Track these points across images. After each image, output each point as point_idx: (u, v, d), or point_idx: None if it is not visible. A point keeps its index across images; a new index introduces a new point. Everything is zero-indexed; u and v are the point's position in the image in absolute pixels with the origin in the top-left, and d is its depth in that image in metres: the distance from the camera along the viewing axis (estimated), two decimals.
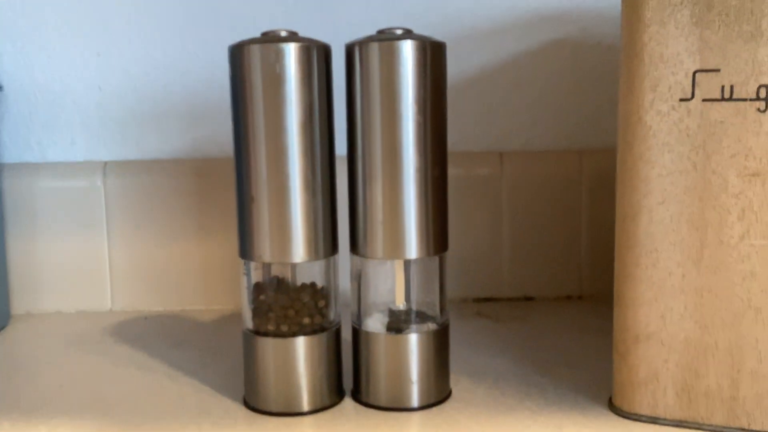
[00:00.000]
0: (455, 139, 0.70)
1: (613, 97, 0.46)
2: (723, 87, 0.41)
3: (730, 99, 0.41)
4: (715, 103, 0.42)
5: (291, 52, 0.44)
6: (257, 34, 0.46)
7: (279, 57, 0.44)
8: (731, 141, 0.42)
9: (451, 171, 0.49)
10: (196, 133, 0.69)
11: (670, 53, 0.42)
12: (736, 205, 0.42)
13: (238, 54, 0.45)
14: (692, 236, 0.43)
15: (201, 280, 0.69)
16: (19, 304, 0.68)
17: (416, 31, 0.46)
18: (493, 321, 0.65)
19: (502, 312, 0.67)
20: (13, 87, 0.69)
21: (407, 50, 0.45)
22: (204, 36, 0.69)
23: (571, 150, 0.71)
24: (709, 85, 0.42)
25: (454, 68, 0.68)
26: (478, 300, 0.70)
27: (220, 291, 0.69)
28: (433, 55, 0.46)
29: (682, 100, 0.42)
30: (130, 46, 0.69)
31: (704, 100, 0.42)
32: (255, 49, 0.44)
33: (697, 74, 0.42)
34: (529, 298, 0.70)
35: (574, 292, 0.70)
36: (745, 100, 0.41)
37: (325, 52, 0.46)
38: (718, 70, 0.41)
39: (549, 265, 0.70)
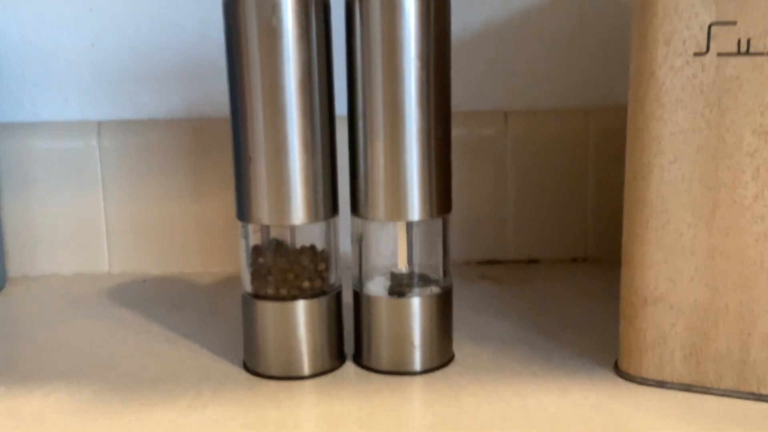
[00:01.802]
0: (459, 97, 0.68)
1: (623, 53, 0.44)
2: (739, 40, 0.40)
3: (747, 53, 0.40)
4: (731, 58, 0.40)
5: (288, 4, 0.43)
6: None
7: (275, 10, 0.43)
8: (747, 97, 0.40)
9: (455, 131, 0.48)
10: (191, 91, 0.68)
11: (685, 5, 0.40)
12: (750, 164, 0.41)
13: (232, 7, 0.43)
14: (704, 196, 0.42)
15: (199, 242, 0.68)
16: (15, 267, 0.68)
17: None
18: (497, 284, 0.64)
19: (507, 275, 0.66)
20: (3, 45, 0.67)
21: (409, 3, 0.43)
22: None
23: (578, 108, 0.69)
24: (725, 39, 0.40)
25: (458, 23, 0.67)
26: (482, 263, 0.69)
27: (218, 253, 0.68)
28: (436, 9, 0.44)
29: (696, 54, 0.41)
30: (122, 1, 0.67)
31: (719, 54, 0.40)
32: (250, 1, 0.43)
33: (712, 27, 0.40)
34: (533, 261, 0.70)
35: (580, 255, 0.70)
36: (762, 54, 0.40)
37: (323, 4, 0.44)
38: (734, 23, 0.40)
39: (554, 226, 0.69)
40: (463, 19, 0.68)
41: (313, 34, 0.44)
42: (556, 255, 0.70)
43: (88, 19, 0.67)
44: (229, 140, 0.46)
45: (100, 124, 0.68)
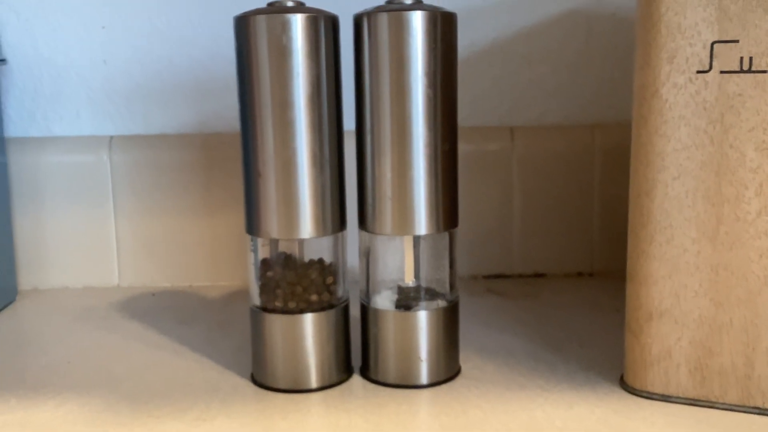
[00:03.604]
0: (465, 113, 0.69)
1: (628, 70, 0.45)
2: (741, 58, 0.40)
3: (749, 71, 0.40)
4: (734, 75, 0.41)
5: (298, 23, 0.43)
6: (263, 5, 0.45)
7: (285, 28, 0.43)
8: (749, 114, 0.41)
9: (461, 146, 0.48)
10: (202, 107, 0.69)
11: (688, 23, 0.41)
12: (753, 180, 0.41)
13: (243, 25, 0.44)
14: (708, 212, 0.42)
15: (208, 256, 0.68)
16: (26, 280, 0.68)
17: (426, 0, 0.45)
18: (503, 298, 0.64)
19: (513, 289, 0.67)
20: (17, 60, 0.68)
21: (417, 21, 0.44)
22: (209, 7, 0.67)
23: (584, 124, 0.70)
24: (728, 57, 0.40)
25: (465, 40, 0.67)
26: (488, 277, 0.70)
27: (227, 267, 0.68)
28: (443, 25, 0.44)
29: (699, 72, 0.41)
30: (134, 18, 0.68)
31: (722, 72, 0.41)
32: (261, 20, 0.43)
33: (715, 45, 0.41)
34: (539, 275, 0.70)
35: (586, 269, 0.70)
36: (764, 71, 0.40)
37: (332, 23, 0.45)
38: (736, 41, 0.40)
39: (560, 241, 0.69)
40: (469, 36, 0.68)
41: (322, 51, 0.44)
42: (562, 269, 0.70)
43: (100, 36, 0.68)
44: (239, 155, 0.46)
45: (111, 139, 0.68)
